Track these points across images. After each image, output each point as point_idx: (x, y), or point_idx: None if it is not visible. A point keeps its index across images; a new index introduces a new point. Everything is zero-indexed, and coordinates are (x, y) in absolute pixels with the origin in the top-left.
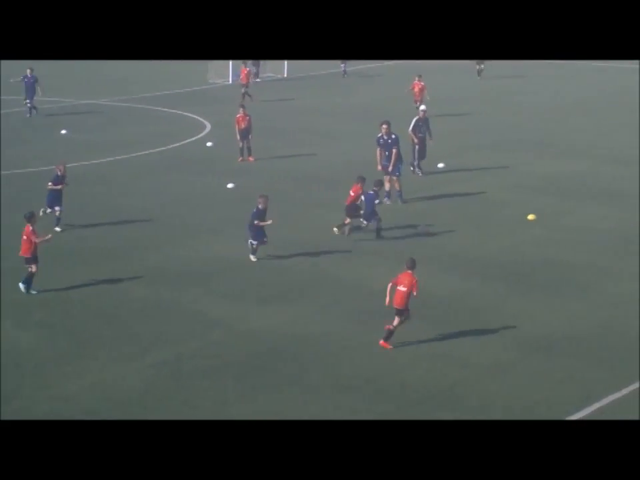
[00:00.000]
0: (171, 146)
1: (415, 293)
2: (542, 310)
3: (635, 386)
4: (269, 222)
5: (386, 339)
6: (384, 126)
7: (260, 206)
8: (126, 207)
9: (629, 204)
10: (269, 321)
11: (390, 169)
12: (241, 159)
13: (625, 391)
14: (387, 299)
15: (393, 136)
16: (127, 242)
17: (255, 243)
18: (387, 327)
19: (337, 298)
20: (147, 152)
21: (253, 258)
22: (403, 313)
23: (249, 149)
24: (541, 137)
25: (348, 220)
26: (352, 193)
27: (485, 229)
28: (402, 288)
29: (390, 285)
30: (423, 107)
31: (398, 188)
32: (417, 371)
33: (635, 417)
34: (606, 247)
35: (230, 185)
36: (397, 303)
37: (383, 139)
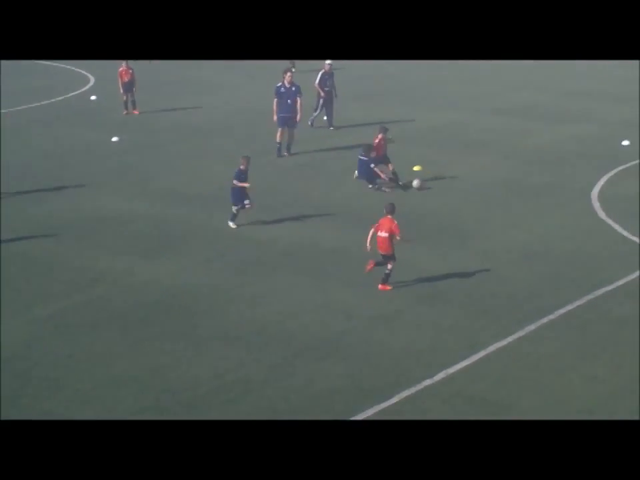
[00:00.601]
0: (55, 99)
1: (397, 237)
2: (425, 260)
3: (519, 334)
4: (247, 185)
5: (384, 282)
6: (287, 74)
7: (241, 167)
8: (9, 160)
9: (509, 153)
10: (153, 273)
11: (297, 118)
12: (125, 112)
13: (509, 339)
14: (368, 246)
15: (294, 88)
16: (9, 196)
17: (235, 207)
18: (386, 271)
19: (222, 250)
20: (30, 105)
21: (232, 225)
22: (390, 257)
23: (134, 102)
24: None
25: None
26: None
27: None
28: (383, 234)
29: (371, 231)
30: (328, 61)
31: (289, 140)
32: (302, 321)
33: (520, 363)
34: (487, 196)
35: (114, 139)
36: (382, 249)
37: (285, 87)
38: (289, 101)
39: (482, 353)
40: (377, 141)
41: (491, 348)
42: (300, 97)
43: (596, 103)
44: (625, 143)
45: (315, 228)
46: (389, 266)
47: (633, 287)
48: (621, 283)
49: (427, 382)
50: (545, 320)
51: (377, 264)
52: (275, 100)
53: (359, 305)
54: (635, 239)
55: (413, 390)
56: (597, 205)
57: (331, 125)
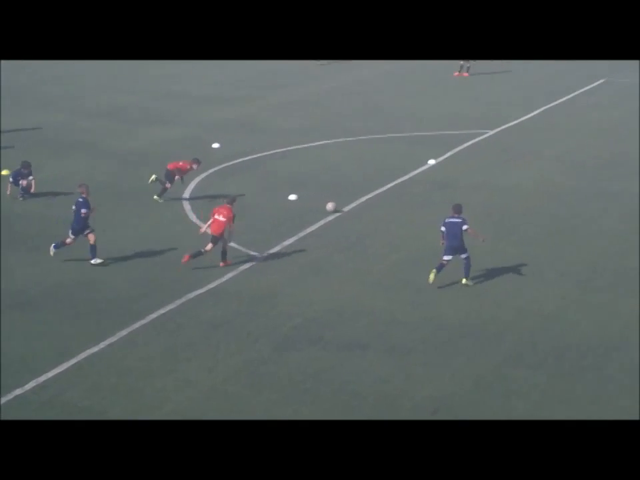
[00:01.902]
0: None
1: (230, 226)
2: (20, 265)
3: (110, 340)
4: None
5: (192, 256)
6: None
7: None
8: None
9: (101, 155)
10: None
11: None
12: None
13: (102, 345)
14: (203, 228)
15: None
16: None
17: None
18: (204, 249)
19: None
20: None
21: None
22: (218, 240)
23: None
24: None
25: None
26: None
27: None
28: (220, 218)
29: (211, 215)
30: None
31: None
32: None
33: (112, 369)
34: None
35: None
36: (214, 231)
37: None
38: None
39: (73, 360)
40: None
41: (83, 355)
42: None
43: (188, 104)
44: (215, 146)
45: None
46: (207, 247)
47: (222, 289)
48: (212, 286)
49: (18, 391)
50: (137, 325)
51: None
52: None
53: None
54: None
55: (4, 400)
56: (188, 207)
57: None
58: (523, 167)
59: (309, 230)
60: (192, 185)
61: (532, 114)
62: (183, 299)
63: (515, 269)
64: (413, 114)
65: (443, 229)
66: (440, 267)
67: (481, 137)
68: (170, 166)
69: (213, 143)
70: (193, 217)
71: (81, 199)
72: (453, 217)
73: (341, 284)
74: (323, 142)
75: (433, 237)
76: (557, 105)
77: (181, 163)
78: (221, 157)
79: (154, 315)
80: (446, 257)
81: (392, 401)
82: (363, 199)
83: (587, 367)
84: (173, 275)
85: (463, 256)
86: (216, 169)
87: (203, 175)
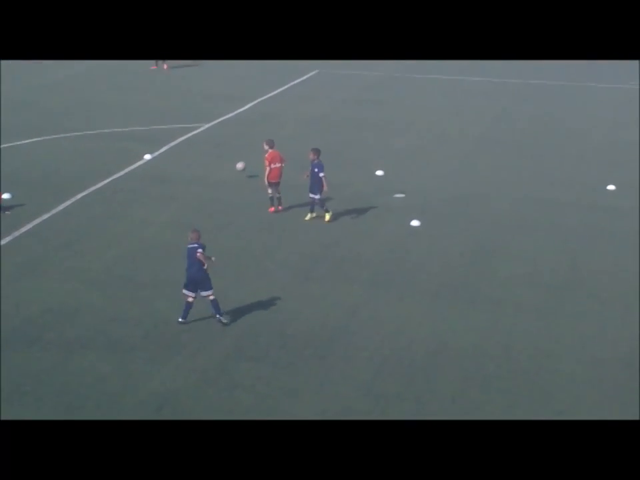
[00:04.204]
0: None
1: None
2: None
3: None
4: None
5: None
6: None
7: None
8: None
9: None
10: None
11: None
12: None
13: None
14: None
15: None
16: None
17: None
18: None
19: None
20: None
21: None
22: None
23: None
24: None
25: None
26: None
27: None
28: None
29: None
30: None
31: None
32: None
33: None
34: None
35: None
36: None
37: None
38: None
39: None
40: None
41: None
42: None
43: None
44: None
45: None
46: None
47: None
48: None
49: None
50: None
51: None
52: None
53: None
54: None
55: None
56: None
57: None
58: (237, 160)
59: (23, 229)
60: None
61: (246, 107)
62: None
63: (235, 262)
64: (124, 109)
65: (317, 170)
66: (312, 207)
67: (195, 132)
68: None
69: None
70: None
71: (196, 245)
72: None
73: (58, 283)
74: (34, 139)
75: (150, 232)
76: (269, 97)
77: None
78: None
79: None
80: (312, 195)
81: (116, 400)
82: (79, 196)
83: (309, 356)
84: None
85: (205, 294)
86: None
87: None
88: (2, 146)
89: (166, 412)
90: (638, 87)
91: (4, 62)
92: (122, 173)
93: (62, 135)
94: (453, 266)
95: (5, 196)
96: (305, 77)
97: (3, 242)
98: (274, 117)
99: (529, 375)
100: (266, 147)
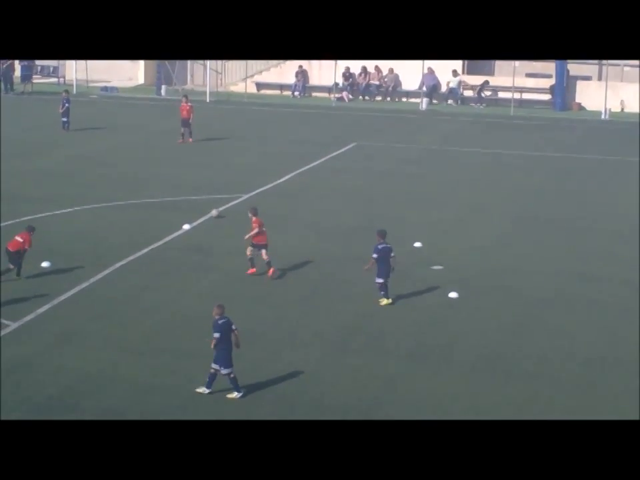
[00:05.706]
0: None
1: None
2: None
3: None
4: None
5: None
6: None
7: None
8: None
9: None
10: None
11: None
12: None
13: None
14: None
15: None
16: None
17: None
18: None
19: None
20: None
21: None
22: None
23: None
24: None
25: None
26: None
27: None
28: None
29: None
30: None
31: None
32: None
33: None
34: None
35: None
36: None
37: None
38: None
39: None
40: None
41: None
42: None
43: None
44: None
45: None
46: None
47: None
48: None
49: None
50: None
51: None
52: None
53: None
54: None
55: None
56: None
57: None
58: (279, 231)
59: (62, 297)
60: None
61: (284, 178)
62: None
63: (273, 333)
64: (160, 180)
65: (375, 255)
66: (384, 290)
67: (234, 202)
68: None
69: None
70: None
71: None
72: (382, 243)
73: (96, 351)
74: (73, 209)
75: (187, 302)
76: (307, 169)
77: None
78: None
79: None
80: (379, 280)
81: None
82: (117, 265)
83: None
84: None
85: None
86: None
87: None
88: (43, 214)
89: None
90: None
91: (41, 134)
92: (160, 242)
93: (103, 205)
94: (491, 339)
95: (45, 264)
96: (342, 149)
97: (42, 310)
98: (312, 188)
99: None
100: (250, 215)
